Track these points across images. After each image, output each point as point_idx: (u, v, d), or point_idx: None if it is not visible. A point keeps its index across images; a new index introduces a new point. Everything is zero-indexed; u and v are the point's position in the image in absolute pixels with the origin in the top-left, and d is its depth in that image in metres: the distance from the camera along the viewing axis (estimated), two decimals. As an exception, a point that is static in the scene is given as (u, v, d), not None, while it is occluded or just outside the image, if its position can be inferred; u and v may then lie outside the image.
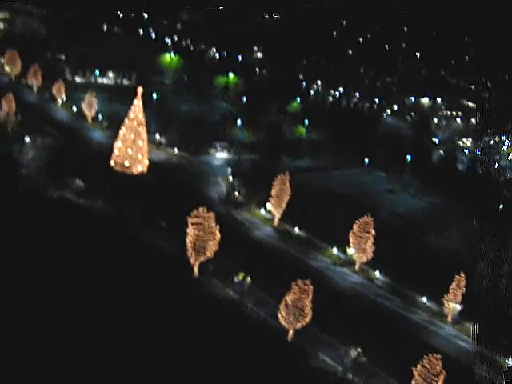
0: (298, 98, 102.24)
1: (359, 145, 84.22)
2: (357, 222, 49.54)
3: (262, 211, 56.80)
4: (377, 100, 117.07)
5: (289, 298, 37.26)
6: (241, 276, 41.27)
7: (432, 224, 66.56)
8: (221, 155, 73.62)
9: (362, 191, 74.49)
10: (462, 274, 45.13)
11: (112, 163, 59.40)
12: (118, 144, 59.96)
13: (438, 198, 74.79)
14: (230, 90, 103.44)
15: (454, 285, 45.32)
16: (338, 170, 79.75)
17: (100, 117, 74.99)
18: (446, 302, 45.47)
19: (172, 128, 74.53)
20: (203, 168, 69.14)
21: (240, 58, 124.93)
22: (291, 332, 37.79)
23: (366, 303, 46.27)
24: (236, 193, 59.51)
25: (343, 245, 51.68)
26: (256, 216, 57.04)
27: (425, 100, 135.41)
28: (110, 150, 62.48)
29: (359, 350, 34.70)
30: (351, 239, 49.89)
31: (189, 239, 42.18)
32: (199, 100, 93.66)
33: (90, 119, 75.39)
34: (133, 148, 58.95)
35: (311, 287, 36.85)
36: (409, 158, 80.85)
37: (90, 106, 73.71)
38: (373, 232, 48.72)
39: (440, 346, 41.35)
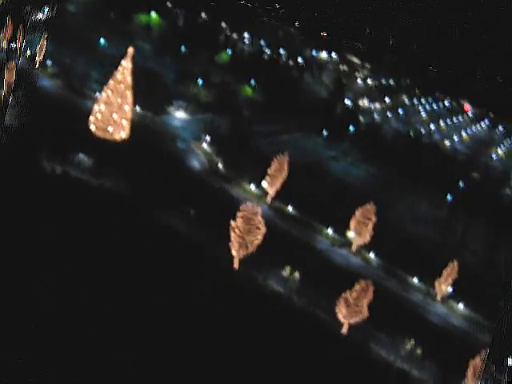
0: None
1: (300, 109, 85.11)
2: (359, 208, 52.07)
3: (253, 187, 56.69)
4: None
5: (350, 296, 38.95)
6: (288, 270, 41.99)
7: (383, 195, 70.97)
8: (180, 115, 70.76)
9: (313, 159, 76.31)
10: (456, 261, 49.83)
11: (92, 127, 55.13)
12: (100, 107, 55.36)
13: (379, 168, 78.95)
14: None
15: (448, 270, 49.83)
16: (285, 134, 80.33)
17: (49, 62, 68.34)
18: (438, 283, 50.03)
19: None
20: (170, 130, 66.25)
21: None
22: (346, 326, 39.71)
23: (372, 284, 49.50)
24: (219, 164, 58.37)
25: (336, 224, 54.42)
26: (247, 193, 56.90)
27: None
28: (71, 107, 58.71)
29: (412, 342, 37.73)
30: (353, 224, 52.04)
31: (235, 232, 41.71)
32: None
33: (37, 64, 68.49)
34: (118, 113, 55.00)
35: (372, 288, 38.75)
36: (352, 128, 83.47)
37: (40, 50, 66.73)
38: (373, 219, 51.22)
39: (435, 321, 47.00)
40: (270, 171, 53.45)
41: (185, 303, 37.71)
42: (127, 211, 45.58)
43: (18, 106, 49.58)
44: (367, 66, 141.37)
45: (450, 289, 48.90)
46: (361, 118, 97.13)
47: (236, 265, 41.99)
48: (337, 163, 75.26)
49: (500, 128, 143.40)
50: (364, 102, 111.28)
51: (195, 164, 58.45)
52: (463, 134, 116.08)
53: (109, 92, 52.31)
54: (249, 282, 41.40)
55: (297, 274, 42.27)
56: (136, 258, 39.80)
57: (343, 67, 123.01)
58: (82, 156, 51.70)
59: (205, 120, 69.26)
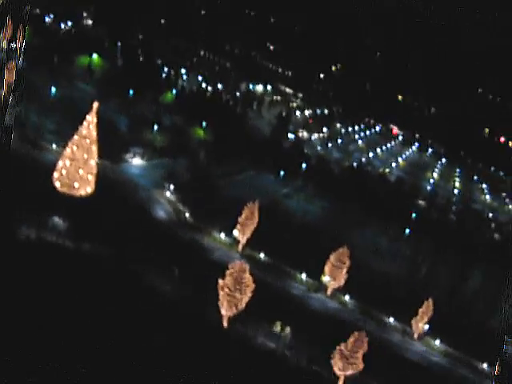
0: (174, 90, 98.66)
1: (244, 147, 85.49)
2: (333, 252, 52.56)
3: (222, 236, 56.18)
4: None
5: (345, 347, 39.05)
6: (278, 325, 41.85)
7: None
8: (137, 162, 69.37)
9: (268, 197, 76.74)
10: (431, 300, 51.36)
11: (57, 184, 53.16)
12: (65, 163, 53.61)
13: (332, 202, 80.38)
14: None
15: (423, 308, 51.20)
16: (239, 174, 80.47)
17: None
18: (415, 322, 51.29)
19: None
20: (132, 179, 64.80)
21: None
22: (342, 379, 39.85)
23: (350, 326, 49.43)
24: (187, 214, 57.61)
25: (309, 270, 54.85)
26: (217, 241, 56.27)
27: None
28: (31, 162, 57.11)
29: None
30: (327, 268, 52.52)
31: (223, 291, 40.96)
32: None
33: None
34: (84, 168, 53.40)
35: (367, 339, 39.06)
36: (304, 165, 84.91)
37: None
38: (347, 262, 51.97)
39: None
40: (240, 219, 53.38)
41: (174, 364, 37.05)
42: (108, 272, 44.36)
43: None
44: (299, 95, 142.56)
45: (426, 326, 50.37)
46: (306, 151, 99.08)
47: (225, 323, 41.54)
48: (291, 200, 76.48)
49: (429, 151, 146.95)
50: (304, 134, 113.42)
51: (162, 215, 57.76)
52: (399, 159, 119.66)
53: (74, 148, 50.66)
54: (239, 341, 41.01)
55: (288, 329, 42.24)
56: (121, 320, 38.76)
57: (278, 97, 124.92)
58: (49, 216, 50.18)
59: (163, 166, 68.98)
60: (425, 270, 63.01)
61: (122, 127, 73.64)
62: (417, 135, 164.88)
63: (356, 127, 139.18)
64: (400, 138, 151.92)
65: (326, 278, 51.83)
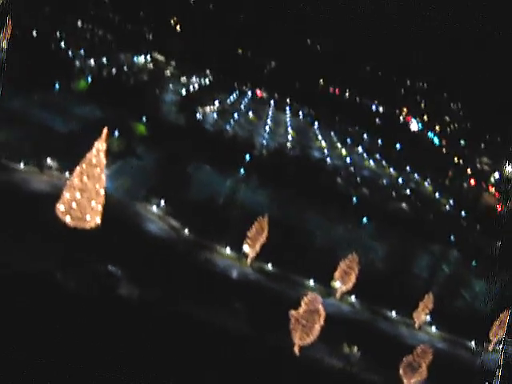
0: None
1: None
2: (344, 260, 55.52)
3: (228, 250, 55.66)
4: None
5: (413, 361, 42.92)
6: (347, 347, 44.00)
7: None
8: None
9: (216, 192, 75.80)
10: (431, 294, 57.09)
11: (66, 218, 47.93)
12: (74, 194, 48.40)
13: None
14: None
15: (424, 302, 56.81)
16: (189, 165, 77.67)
17: None
18: (415, 315, 56.90)
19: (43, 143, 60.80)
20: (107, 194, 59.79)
21: None
22: None
23: (363, 323, 53.74)
24: (186, 230, 55.78)
25: (314, 275, 57.28)
26: (225, 257, 55.59)
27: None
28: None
29: None
30: (338, 274, 55.51)
31: (298, 322, 41.78)
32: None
33: None
34: (96, 199, 48.85)
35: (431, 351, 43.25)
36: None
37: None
38: (356, 269, 55.35)
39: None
40: (250, 234, 53.84)
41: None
42: (152, 315, 43.05)
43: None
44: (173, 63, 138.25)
45: (427, 317, 56.33)
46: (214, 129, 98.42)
47: (297, 351, 43.06)
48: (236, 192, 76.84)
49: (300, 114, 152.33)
50: (207, 110, 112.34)
51: (159, 233, 55.69)
52: (289, 130, 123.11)
53: (84, 178, 46.75)
54: (311, 365, 43.06)
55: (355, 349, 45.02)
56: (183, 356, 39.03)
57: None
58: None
59: (126, 171, 65.38)
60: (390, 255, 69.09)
61: (61, 128, 67.55)
62: (277, 96, 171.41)
63: (235, 95, 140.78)
64: (272, 102, 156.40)
65: (336, 284, 55.07)
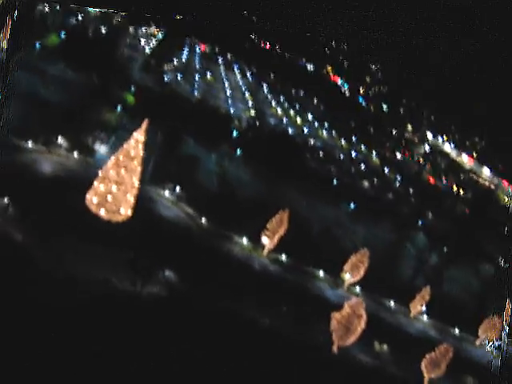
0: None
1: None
2: (355, 254, 57.44)
3: (245, 240, 55.67)
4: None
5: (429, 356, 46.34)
6: (377, 345, 46.47)
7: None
8: (103, 150, 60.35)
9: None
10: (428, 288, 60.54)
11: (102, 211, 45.72)
12: (109, 187, 46.06)
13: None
14: None
15: (421, 293, 60.21)
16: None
17: None
18: (412, 306, 60.34)
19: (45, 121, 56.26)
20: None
21: None
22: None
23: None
24: (203, 219, 55.00)
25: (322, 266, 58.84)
26: (243, 248, 55.47)
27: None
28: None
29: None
30: (348, 267, 57.45)
31: (340, 324, 43.47)
32: None
33: None
34: (132, 192, 46.88)
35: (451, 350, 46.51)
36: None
37: None
38: (366, 261, 57.48)
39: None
40: (270, 226, 54.54)
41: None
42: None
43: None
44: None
45: (423, 308, 60.13)
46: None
47: (336, 350, 45.01)
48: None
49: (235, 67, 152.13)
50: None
51: (177, 222, 54.86)
52: (246, 93, 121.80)
53: (122, 171, 45.33)
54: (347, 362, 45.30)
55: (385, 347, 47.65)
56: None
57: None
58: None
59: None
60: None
61: (58, 101, 63.41)
62: (217, 50, 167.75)
63: (186, 52, 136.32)
64: (220, 60, 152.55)
65: (347, 276, 57.26)
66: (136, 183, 46.38)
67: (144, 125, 44.99)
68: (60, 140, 54.48)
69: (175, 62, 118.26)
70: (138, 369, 34.28)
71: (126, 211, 46.28)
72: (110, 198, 45.63)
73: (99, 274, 41.28)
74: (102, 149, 60.62)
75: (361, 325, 44.42)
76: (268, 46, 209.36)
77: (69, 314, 35.98)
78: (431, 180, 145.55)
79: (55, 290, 37.66)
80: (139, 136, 45.28)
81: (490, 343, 52.06)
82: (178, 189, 57.16)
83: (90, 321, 36.28)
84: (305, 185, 75.53)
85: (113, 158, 45.55)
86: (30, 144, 51.72)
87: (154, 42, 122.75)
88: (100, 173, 45.64)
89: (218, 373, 37.89)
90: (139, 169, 46.23)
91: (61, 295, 37.44)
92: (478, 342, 62.02)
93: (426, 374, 47.60)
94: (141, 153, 45.79)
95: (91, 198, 45.54)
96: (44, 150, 52.70)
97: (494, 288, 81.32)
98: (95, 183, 45.60)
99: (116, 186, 45.62)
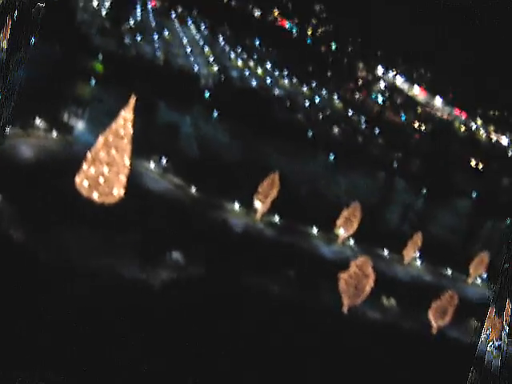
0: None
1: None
2: (347, 207, 57.32)
3: (236, 206, 54.74)
4: None
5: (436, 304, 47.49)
6: (385, 299, 47.23)
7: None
8: (81, 125, 57.32)
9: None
10: (420, 234, 61.21)
11: (94, 194, 43.87)
12: (101, 169, 44.05)
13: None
14: None
15: (413, 240, 60.94)
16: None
17: None
18: (405, 252, 61.14)
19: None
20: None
21: None
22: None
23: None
24: (193, 188, 53.65)
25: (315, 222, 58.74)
26: (234, 214, 54.55)
27: None
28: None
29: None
30: (341, 222, 57.44)
31: (347, 284, 43.71)
32: None
33: None
34: (123, 172, 45.06)
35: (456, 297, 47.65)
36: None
37: None
38: (359, 215, 57.54)
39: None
40: (261, 189, 53.97)
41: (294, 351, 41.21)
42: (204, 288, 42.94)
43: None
44: None
45: (417, 254, 61.13)
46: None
47: (346, 310, 45.49)
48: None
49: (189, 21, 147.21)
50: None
51: (166, 194, 53.56)
52: (205, 48, 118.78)
53: (113, 151, 43.68)
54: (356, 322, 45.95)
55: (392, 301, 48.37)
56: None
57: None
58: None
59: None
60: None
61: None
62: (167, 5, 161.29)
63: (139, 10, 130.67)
64: (173, 15, 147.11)
65: (340, 231, 57.43)
66: (127, 162, 44.86)
67: (131, 102, 43.15)
68: (38, 121, 51.99)
69: (131, 23, 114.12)
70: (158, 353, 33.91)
71: (118, 192, 44.88)
72: (101, 180, 44.06)
73: (102, 262, 40.11)
74: (79, 124, 58.68)
75: (369, 283, 44.86)
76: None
77: (76, 307, 35.10)
78: (393, 118, 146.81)
79: (56, 284, 36.48)
80: (127, 114, 43.45)
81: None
82: (164, 160, 55.68)
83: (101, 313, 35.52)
84: (282, 141, 74.88)
85: (101, 138, 43.73)
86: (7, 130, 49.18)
87: (107, 3, 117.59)
88: (89, 155, 43.87)
89: (234, 346, 37.88)
90: (129, 147, 44.63)
91: (63, 289, 36.33)
92: (470, 281, 63.92)
93: (434, 323, 48.86)
94: (130, 131, 44.04)
95: (82, 182, 43.85)
96: (22, 134, 50.29)
97: (474, 223, 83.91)
98: (84, 166, 43.84)
99: (107, 167, 44.00)
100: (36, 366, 29.89)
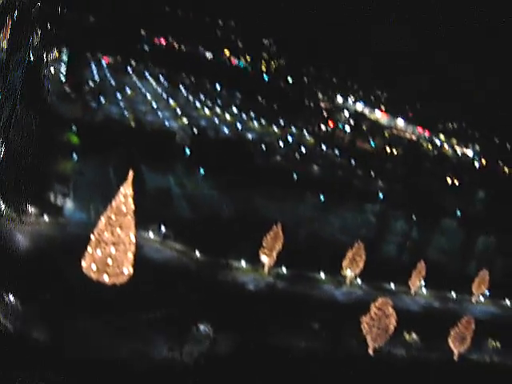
0: None
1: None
2: (351, 248, 56.97)
3: (243, 263, 53.84)
4: None
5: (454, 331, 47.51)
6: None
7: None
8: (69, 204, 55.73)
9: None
10: (423, 262, 61.05)
11: (105, 277, 42.35)
12: (109, 250, 42.63)
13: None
14: None
15: (417, 269, 60.75)
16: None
17: None
18: (411, 284, 60.90)
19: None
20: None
21: None
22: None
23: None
24: (197, 252, 52.55)
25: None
26: (242, 271, 53.54)
27: None
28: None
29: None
30: (347, 263, 57.00)
31: (370, 326, 43.50)
32: None
33: None
34: (131, 249, 43.77)
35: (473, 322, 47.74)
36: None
37: None
38: (363, 255, 57.19)
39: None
40: (266, 243, 53.46)
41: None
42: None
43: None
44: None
45: (422, 282, 61.06)
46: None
47: (372, 352, 44.83)
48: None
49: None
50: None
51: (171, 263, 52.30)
52: (170, 101, 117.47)
53: (118, 230, 42.61)
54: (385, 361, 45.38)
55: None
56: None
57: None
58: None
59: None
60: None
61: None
62: (120, 59, 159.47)
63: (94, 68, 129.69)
64: (129, 69, 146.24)
65: (348, 272, 57.02)
66: (133, 239, 43.78)
67: (129, 177, 42.31)
68: (28, 206, 50.62)
69: (91, 83, 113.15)
70: None
71: (128, 270, 43.68)
72: (110, 261, 42.80)
73: (130, 348, 38.51)
74: (67, 203, 57.30)
75: (392, 323, 44.43)
76: (163, 41, 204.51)
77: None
78: (363, 145, 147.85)
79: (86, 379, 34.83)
80: (127, 190, 42.55)
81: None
82: (163, 227, 54.68)
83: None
84: (270, 188, 74.67)
85: (103, 218, 42.66)
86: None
87: (63, 67, 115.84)
88: (92, 237, 42.67)
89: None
90: (133, 223, 43.65)
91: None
92: (473, 300, 64.11)
93: (454, 350, 48.60)
94: (132, 207, 43.09)
95: (89, 265, 42.56)
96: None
97: (467, 242, 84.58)
98: (89, 249, 42.63)
99: (114, 247, 42.82)
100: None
